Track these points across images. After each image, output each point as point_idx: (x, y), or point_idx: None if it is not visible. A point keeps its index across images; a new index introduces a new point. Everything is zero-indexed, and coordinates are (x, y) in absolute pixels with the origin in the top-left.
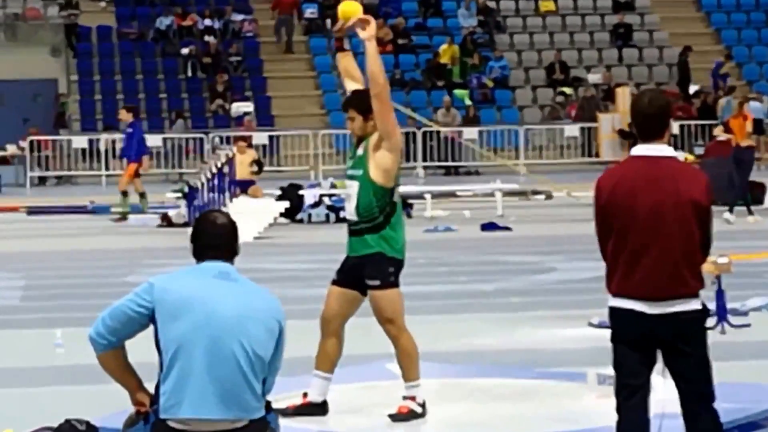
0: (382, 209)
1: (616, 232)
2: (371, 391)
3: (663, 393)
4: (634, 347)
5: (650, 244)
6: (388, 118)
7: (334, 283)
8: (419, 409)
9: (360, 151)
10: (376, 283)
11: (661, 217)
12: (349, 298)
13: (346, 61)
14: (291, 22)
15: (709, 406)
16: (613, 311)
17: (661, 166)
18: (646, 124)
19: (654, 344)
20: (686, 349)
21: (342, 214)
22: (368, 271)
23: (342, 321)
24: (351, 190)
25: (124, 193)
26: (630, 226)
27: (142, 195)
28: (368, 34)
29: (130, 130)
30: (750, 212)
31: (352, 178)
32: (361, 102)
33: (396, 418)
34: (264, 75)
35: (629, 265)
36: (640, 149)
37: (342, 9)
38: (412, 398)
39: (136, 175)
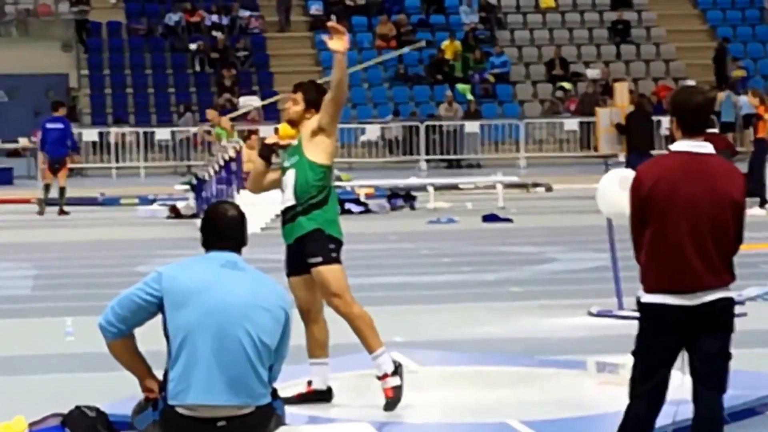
0: (321, 188)
1: (653, 226)
2: (374, 378)
3: (680, 381)
4: (663, 341)
5: (688, 239)
6: (337, 118)
7: (289, 275)
8: (398, 381)
9: (294, 142)
10: (319, 259)
11: (698, 212)
12: (310, 283)
13: (268, 173)
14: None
15: (718, 395)
16: (647, 306)
17: (701, 162)
18: (692, 120)
19: (683, 335)
20: (714, 333)
21: (347, 206)
22: (309, 249)
23: (317, 306)
24: (288, 179)
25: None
26: (668, 220)
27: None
28: (343, 47)
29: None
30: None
31: (289, 167)
32: (311, 93)
33: (389, 406)
34: (270, 70)
35: (666, 259)
36: (683, 145)
37: (282, 130)
38: (385, 376)
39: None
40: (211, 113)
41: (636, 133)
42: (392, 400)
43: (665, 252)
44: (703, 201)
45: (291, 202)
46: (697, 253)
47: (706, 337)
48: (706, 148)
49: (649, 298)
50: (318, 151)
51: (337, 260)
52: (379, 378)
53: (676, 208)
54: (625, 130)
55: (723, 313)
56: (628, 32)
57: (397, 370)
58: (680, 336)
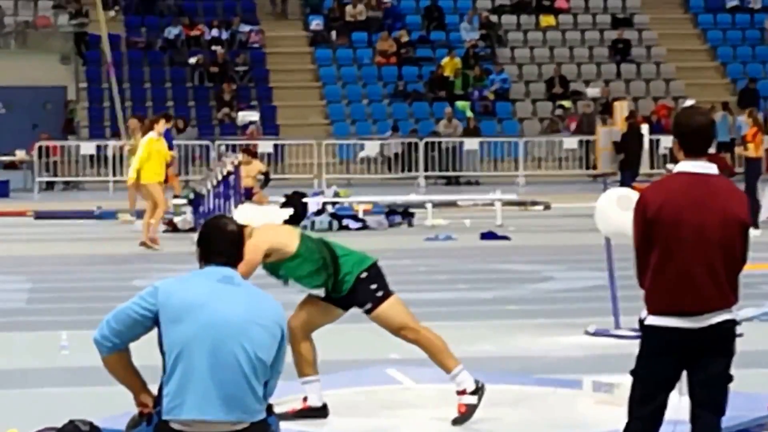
0: (319, 266)
1: (660, 248)
2: (371, 395)
3: (678, 401)
4: (665, 364)
5: (696, 262)
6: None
7: (321, 298)
8: (474, 399)
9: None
10: (369, 306)
11: (707, 235)
12: (328, 310)
13: None
14: None
15: (717, 418)
16: (651, 329)
17: (707, 184)
18: (694, 140)
19: (685, 358)
20: (717, 355)
21: (345, 222)
22: (357, 300)
23: (307, 331)
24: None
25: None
26: (676, 243)
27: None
28: None
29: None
30: None
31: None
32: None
33: (458, 421)
34: (270, 85)
35: (674, 281)
36: (687, 166)
37: None
38: (463, 392)
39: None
40: (133, 123)
41: (629, 154)
42: (462, 416)
43: (673, 274)
44: (712, 223)
45: (322, 293)
46: (706, 274)
47: (709, 360)
48: (710, 168)
49: (653, 321)
50: (273, 258)
51: (385, 296)
52: (458, 393)
53: (684, 230)
54: (620, 149)
55: (727, 336)
56: (628, 51)
57: (478, 390)
58: (682, 359)
